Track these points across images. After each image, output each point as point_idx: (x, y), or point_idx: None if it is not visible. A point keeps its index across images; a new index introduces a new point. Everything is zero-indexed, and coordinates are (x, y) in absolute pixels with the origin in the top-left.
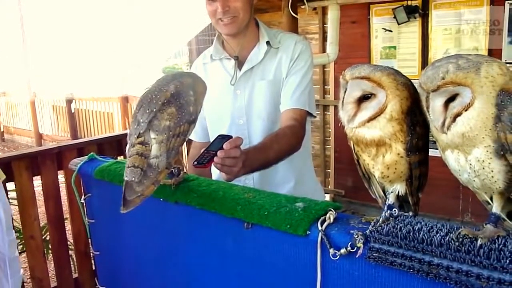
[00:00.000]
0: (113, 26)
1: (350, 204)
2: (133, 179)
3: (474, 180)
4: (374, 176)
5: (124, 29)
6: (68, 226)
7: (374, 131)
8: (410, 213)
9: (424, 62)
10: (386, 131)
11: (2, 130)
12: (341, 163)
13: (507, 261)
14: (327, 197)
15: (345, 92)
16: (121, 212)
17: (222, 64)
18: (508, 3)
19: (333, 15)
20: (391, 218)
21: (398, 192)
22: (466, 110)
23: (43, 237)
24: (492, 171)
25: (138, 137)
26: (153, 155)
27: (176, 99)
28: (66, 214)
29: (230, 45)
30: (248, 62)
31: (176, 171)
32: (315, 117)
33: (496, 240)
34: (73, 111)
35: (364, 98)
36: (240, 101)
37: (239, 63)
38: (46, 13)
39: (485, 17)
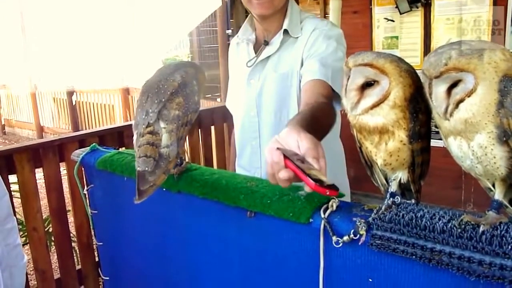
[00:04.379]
0: (113, 18)
1: (353, 194)
2: (146, 169)
3: (476, 167)
4: (377, 164)
5: (125, 21)
6: (70, 218)
7: (378, 118)
8: (412, 201)
9: (427, 52)
10: (389, 118)
11: (3, 123)
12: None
13: (509, 247)
14: None
15: (348, 79)
16: (134, 202)
17: (247, 47)
18: None
19: (334, 5)
20: (393, 206)
21: (400, 179)
22: (469, 96)
23: (46, 229)
24: (494, 157)
25: (147, 127)
26: (164, 144)
27: (183, 89)
28: (69, 206)
29: (259, 28)
30: (266, 51)
31: (178, 160)
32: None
33: (498, 227)
34: (74, 103)
35: (367, 85)
36: (252, 92)
37: (261, 50)
38: (46, 4)
39: (488, 6)
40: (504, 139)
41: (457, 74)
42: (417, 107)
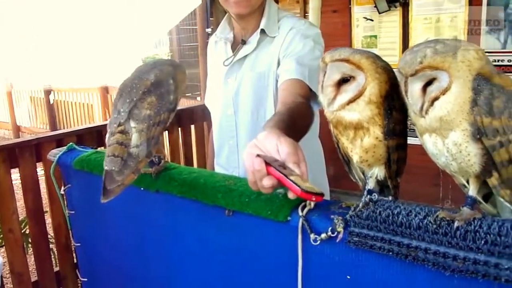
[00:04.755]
0: (92, 16)
1: (332, 192)
2: (113, 168)
3: (451, 164)
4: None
5: (104, 19)
6: (48, 219)
7: (353, 113)
8: (390, 198)
9: (405, 51)
10: (364, 114)
11: None
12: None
13: (482, 242)
14: None
15: (324, 75)
16: (101, 202)
17: (225, 46)
18: None
19: (314, 4)
20: (371, 203)
21: (377, 176)
22: (443, 94)
23: (22, 231)
24: (468, 154)
25: (118, 126)
26: (133, 144)
27: (156, 88)
28: (46, 207)
29: (236, 27)
30: (243, 50)
31: (157, 159)
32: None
33: (472, 222)
34: (51, 102)
35: (344, 81)
36: (229, 91)
37: (239, 49)
38: (22, 2)
39: (464, 6)
40: (478, 136)
41: (432, 72)
42: (392, 104)
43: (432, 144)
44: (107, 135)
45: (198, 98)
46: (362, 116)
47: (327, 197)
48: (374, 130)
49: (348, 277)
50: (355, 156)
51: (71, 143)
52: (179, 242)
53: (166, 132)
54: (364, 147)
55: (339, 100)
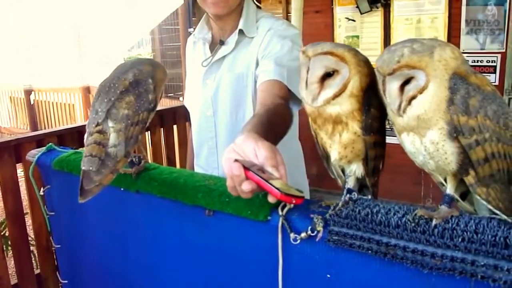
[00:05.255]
0: (73, 15)
1: (315, 192)
2: (91, 168)
3: (429, 162)
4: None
5: (86, 18)
6: (29, 221)
7: (335, 107)
8: (369, 197)
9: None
10: (345, 107)
11: None
12: (305, 152)
13: (459, 239)
14: None
15: (308, 71)
16: (79, 202)
17: (203, 47)
18: None
19: (296, 5)
20: (350, 202)
21: (355, 173)
22: (421, 93)
23: (1, 233)
24: (445, 152)
25: (96, 126)
26: (111, 144)
27: (135, 87)
28: (27, 209)
29: (215, 27)
30: (221, 51)
31: (137, 160)
32: (298, 105)
33: (450, 220)
34: (32, 102)
35: (327, 75)
36: (208, 92)
37: (217, 49)
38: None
39: (444, 7)
40: (455, 135)
41: (409, 72)
42: (371, 101)
43: (410, 143)
44: (85, 135)
45: (181, 98)
46: (342, 109)
47: (307, 197)
48: (352, 126)
49: (328, 275)
50: (334, 152)
51: (50, 144)
52: (159, 242)
53: (148, 132)
54: (343, 143)
55: (323, 95)
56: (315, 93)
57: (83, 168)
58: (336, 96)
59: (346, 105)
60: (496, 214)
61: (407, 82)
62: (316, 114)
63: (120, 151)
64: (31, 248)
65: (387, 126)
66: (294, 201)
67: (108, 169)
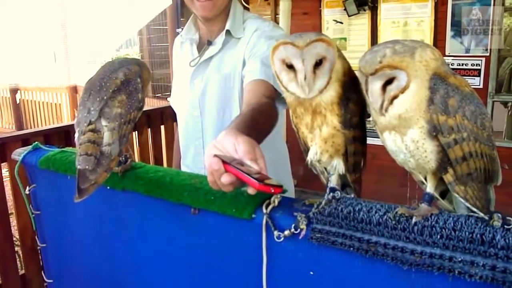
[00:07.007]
0: (60, 14)
1: (303, 193)
2: (87, 167)
3: (409, 161)
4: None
5: (73, 18)
6: (14, 221)
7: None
8: (352, 195)
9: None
10: (327, 94)
11: None
12: (293, 153)
13: (438, 236)
14: None
15: (303, 61)
16: (75, 201)
17: (191, 47)
18: None
19: (285, 6)
20: (333, 200)
21: (337, 169)
22: (402, 93)
23: None
24: (425, 151)
25: (88, 124)
26: (105, 142)
27: (126, 86)
28: (12, 209)
29: (202, 28)
30: (209, 51)
31: (123, 158)
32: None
33: (429, 218)
34: (18, 101)
35: (316, 64)
36: (195, 92)
37: (204, 50)
38: None
39: (430, 11)
40: (434, 134)
41: (391, 72)
42: (349, 95)
43: (392, 141)
44: (76, 134)
45: (169, 99)
46: (324, 96)
47: (292, 196)
48: (332, 120)
49: (312, 272)
50: (315, 146)
51: (36, 142)
52: (145, 240)
53: (136, 132)
54: (323, 137)
55: (318, 84)
56: (311, 83)
57: (78, 167)
58: (327, 83)
59: (330, 91)
60: (474, 212)
61: (389, 82)
62: (297, 104)
63: (114, 150)
64: (16, 248)
65: (368, 126)
66: (272, 190)
67: (103, 168)
